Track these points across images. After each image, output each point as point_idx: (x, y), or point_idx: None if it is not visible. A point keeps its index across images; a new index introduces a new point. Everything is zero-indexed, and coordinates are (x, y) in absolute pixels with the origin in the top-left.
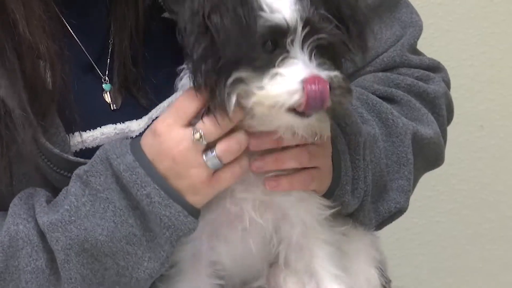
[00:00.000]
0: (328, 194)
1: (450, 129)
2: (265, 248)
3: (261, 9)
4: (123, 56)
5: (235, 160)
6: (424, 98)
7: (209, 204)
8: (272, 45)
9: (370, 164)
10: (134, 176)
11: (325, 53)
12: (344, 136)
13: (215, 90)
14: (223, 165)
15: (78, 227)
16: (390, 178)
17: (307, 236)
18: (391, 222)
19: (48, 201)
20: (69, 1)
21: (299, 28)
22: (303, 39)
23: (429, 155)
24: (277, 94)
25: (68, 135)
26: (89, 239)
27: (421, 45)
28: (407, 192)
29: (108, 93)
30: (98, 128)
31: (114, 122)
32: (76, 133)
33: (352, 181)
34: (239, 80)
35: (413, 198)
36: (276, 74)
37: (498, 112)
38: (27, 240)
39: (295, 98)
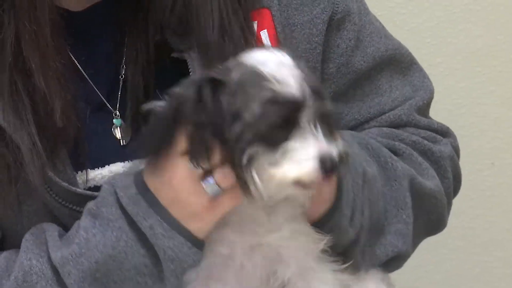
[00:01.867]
0: (327, 218)
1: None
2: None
3: (267, 80)
4: (136, 88)
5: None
6: (429, 157)
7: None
8: (285, 119)
9: (368, 201)
10: (136, 208)
11: (325, 122)
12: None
13: (236, 170)
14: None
15: (89, 259)
16: (388, 222)
17: (304, 276)
18: (393, 268)
19: (61, 235)
20: (77, 39)
21: (310, 100)
22: (313, 110)
23: (431, 211)
24: (291, 171)
25: (77, 173)
26: (100, 269)
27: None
28: (406, 235)
29: (118, 128)
30: (107, 166)
31: (123, 160)
32: (85, 171)
33: (351, 208)
34: (253, 156)
35: None
36: (289, 149)
37: (508, 150)
38: (41, 274)
39: (310, 175)
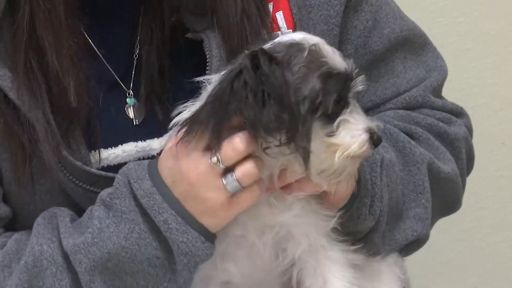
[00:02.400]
0: (346, 208)
1: None
2: (274, 265)
3: (322, 55)
4: (150, 68)
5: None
6: (444, 139)
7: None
8: (340, 93)
9: (387, 187)
10: (151, 202)
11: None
12: None
13: (300, 142)
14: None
15: (101, 249)
16: (407, 207)
17: (315, 254)
18: (411, 252)
19: (73, 220)
20: (92, 18)
21: (354, 74)
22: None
23: (447, 194)
24: (348, 143)
25: (90, 152)
26: (112, 259)
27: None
28: (425, 220)
29: (131, 107)
30: (120, 145)
31: (135, 140)
32: (98, 151)
33: (370, 196)
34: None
35: None
36: (345, 122)
37: None
38: (52, 260)
39: (363, 149)
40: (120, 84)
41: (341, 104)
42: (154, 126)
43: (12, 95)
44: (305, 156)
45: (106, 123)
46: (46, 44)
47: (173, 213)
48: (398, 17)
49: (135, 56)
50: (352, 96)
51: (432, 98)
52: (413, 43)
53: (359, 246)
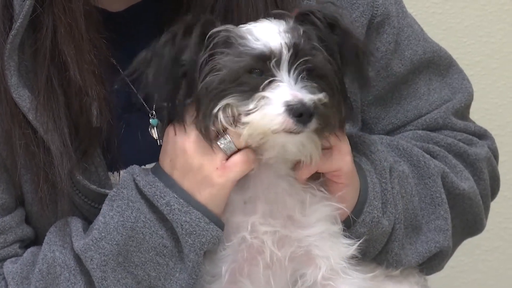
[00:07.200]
0: (358, 211)
1: None
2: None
3: (245, 39)
4: None
5: (246, 147)
6: (464, 159)
7: (231, 239)
8: (259, 71)
9: (401, 197)
10: (153, 189)
11: (315, 78)
12: (369, 162)
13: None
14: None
15: (110, 242)
16: (426, 220)
17: (335, 277)
18: (436, 267)
19: (84, 228)
20: (113, 36)
21: (284, 52)
22: (290, 63)
23: (465, 212)
24: (262, 119)
25: (112, 173)
26: (122, 252)
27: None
28: (446, 231)
29: (155, 128)
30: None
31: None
32: (118, 172)
33: (381, 198)
34: (228, 106)
35: None
36: (261, 97)
37: None
38: (64, 265)
39: (279, 121)
40: (144, 104)
41: (262, 79)
42: None
43: (30, 115)
44: (203, 132)
45: (129, 144)
46: (68, 59)
47: (175, 196)
48: (422, 39)
49: None
50: (284, 68)
51: (453, 120)
52: (438, 65)
53: (382, 258)
